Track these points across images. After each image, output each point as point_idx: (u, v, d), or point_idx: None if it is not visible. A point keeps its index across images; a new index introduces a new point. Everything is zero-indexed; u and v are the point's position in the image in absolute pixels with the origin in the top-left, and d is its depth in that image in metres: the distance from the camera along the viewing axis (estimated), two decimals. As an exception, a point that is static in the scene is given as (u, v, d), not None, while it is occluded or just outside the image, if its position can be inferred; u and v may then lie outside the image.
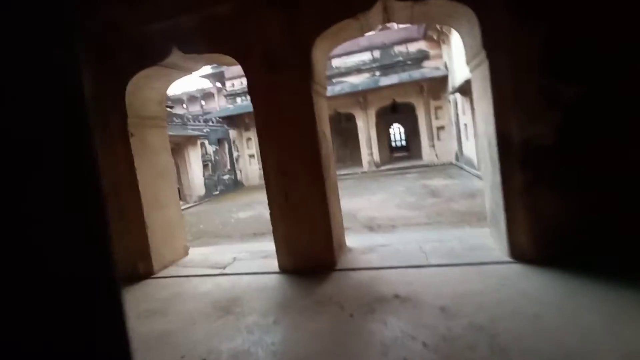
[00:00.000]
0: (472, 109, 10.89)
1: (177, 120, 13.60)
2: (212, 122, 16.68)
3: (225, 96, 19.06)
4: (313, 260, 3.69)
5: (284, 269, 3.78)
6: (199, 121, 15.42)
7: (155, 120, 4.54)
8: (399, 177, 14.13)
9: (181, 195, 14.14)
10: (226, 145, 17.33)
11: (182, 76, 4.57)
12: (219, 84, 21.22)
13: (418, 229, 6.75)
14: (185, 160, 14.11)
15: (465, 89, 11.16)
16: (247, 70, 3.79)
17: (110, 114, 3.89)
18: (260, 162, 19.72)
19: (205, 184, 14.93)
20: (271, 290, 3.34)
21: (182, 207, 12.98)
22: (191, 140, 14.33)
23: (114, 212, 3.98)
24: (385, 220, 7.74)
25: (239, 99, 18.72)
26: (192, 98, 29.46)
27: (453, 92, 12.53)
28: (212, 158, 15.72)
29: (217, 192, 15.71)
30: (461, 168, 13.71)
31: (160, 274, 4.07)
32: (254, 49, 3.70)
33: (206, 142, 15.39)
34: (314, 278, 3.45)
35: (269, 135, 3.76)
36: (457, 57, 12.54)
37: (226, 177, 16.84)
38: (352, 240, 4.54)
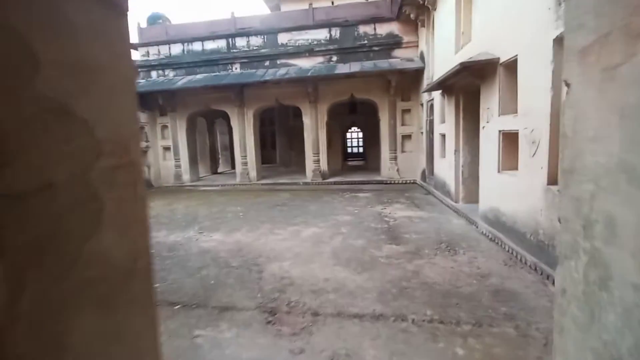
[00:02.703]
0: (469, 111, 7.46)
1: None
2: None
3: (138, 68, 14.61)
4: None
5: None
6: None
7: None
8: (348, 196, 10.55)
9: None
10: (127, 131, 12.91)
11: None
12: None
13: (362, 334, 3.07)
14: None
15: (451, 85, 7.75)
16: None
17: None
18: (177, 155, 15.55)
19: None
20: None
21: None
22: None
23: None
24: (305, 294, 4.10)
25: (154, 73, 14.35)
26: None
27: (430, 89, 9.12)
28: (96, 147, 11.31)
29: (99, 195, 11.32)
30: (429, 192, 10.39)
31: None
32: None
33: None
34: None
35: None
36: (442, 42, 9.14)
37: (120, 173, 12.44)
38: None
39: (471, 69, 6.02)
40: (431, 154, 10.60)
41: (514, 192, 4.95)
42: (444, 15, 8.75)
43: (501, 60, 5.43)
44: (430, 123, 10.71)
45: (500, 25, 5.53)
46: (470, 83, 6.97)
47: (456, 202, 7.87)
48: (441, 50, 9.24)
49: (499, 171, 5.50)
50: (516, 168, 4.93)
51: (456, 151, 7.88)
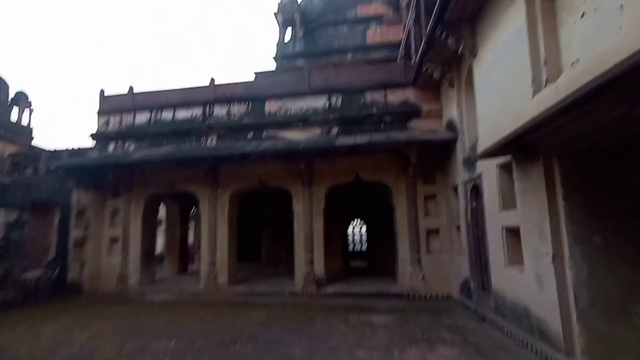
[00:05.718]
0: (577, 186, 4.11)
1: None
2: (35, 171, 9.17)
3: (94, 137, 11.77)
4: None
5: None
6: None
7: None
8: (356, 322, 6.72)
9: None
10: (57, 217, 9.57)
11: None
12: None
13: None
14: None
15: (535, 143, 4.58)
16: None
17: None
18: (127, 250, 9.99)
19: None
20: None
21: None
22: None
23: None
24: None
25: (112, 145, 11.49)
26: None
27: (488, 154, 5.94)
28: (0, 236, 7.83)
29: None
30: (482, 318, 6.61)
31: None
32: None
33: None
34: None
35: None
36: (496, 92, 6.26)
37: (36, 273, 8.74)
38: None
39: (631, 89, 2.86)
40: (479, 257, 7.04)
41: None
42: (501, 51, 5.92)
43: None
44: (474, 212, 7.37)
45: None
46: (594, 128, 3.79)
47: (568, 356, 4.12)
48: (495, 103, 6.23)
49: None
50: None
51: (555, 257, 4.38)
